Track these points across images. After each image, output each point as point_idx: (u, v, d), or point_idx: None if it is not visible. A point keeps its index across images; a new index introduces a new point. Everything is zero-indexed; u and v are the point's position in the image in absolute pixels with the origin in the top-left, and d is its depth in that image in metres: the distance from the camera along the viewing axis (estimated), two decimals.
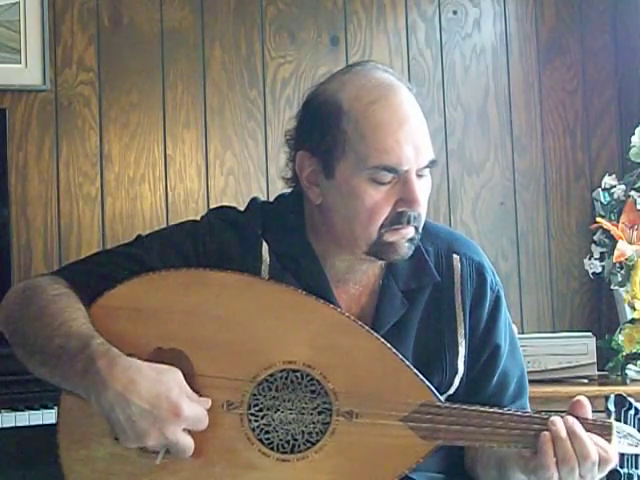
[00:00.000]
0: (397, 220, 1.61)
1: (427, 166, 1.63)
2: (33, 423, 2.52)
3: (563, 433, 1.50)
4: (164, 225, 3.10)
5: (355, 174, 1.61)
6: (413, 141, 1.60)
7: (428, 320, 1.72)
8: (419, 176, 1.62)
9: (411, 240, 1.64)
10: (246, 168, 3.28)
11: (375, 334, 1.60)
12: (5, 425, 2.50)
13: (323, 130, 1.64)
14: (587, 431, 1.51)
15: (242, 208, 1.80)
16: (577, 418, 1.53)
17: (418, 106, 1.66)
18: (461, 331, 1.73)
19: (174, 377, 1.51)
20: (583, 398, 1.56)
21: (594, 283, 3.47)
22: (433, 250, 1.75)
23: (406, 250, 1.64)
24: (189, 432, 1.51)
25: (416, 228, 1.64)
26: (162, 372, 1.51)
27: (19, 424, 2.52)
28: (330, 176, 1.64)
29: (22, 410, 2.54)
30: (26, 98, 3.09)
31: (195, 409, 1.50)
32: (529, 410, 1.76)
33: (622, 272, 3.22)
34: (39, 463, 2.33)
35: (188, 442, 1.50)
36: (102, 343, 1.52)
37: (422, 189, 1.63)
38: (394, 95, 1.63)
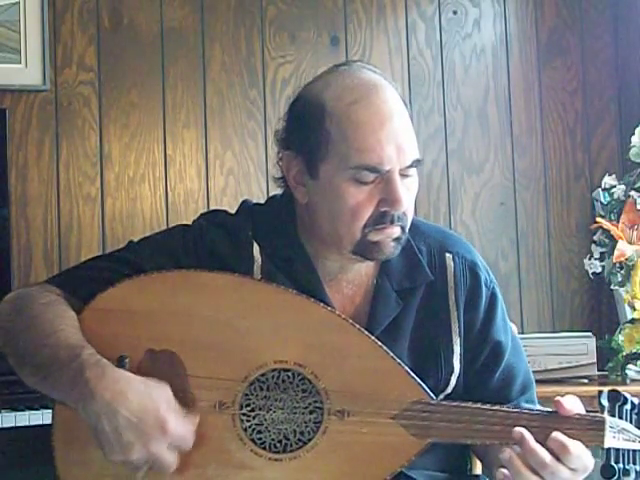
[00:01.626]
0: (380, 220, 1.62)
1: (411, 165, 1.63)
2: (33, 423, 2.51)
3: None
4: (164, 225, 3.11)
5: (338, 174, 1.61)
6: (395, 141, 1.60)
7: (422, 319, 1.72)
8: (403, 176, 1.62)
9: (397, 239, 1.64)
10: (246, 168, 3.28)
11: (366, 332, 1.60)
12: (5, 425, 2.50)
13: (307, 130, 1.65)
14: (578, 428, 1.51)
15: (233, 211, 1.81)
16: (565, 418, 1.53)
17: (403, 106, 1.66)
18: (455, 329, 1.73)
19: (163, 393, 1.51)
20: (565, 397, 1.55)
21: (594, 283, 3.46)
22: (426, 249, 1.76)
23: (392, 250, 1.65)
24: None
25: (402, 227, 1.64)
26: (151, 387, 1.51)
27: (19, 424, 2.51)
28: (314, 176, 1.65)
29: (22, 410, 2.53)
30: (26, 98, 3.09)
31: (182, 427, 1.51)
32: (536, 402, 1.77)
33: (622, 272, 3.22)
34: (39, 463, 2.32)
35: (171, 460, 1.50)
36: (92, 354, 1.53)
37: (406, 189, 1.63)
38: (376, 94, 1.63)
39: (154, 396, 1.49)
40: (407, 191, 1.63)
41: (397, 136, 1.60)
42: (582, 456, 1.50)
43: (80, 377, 1.49)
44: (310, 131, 1.64)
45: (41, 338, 1.56)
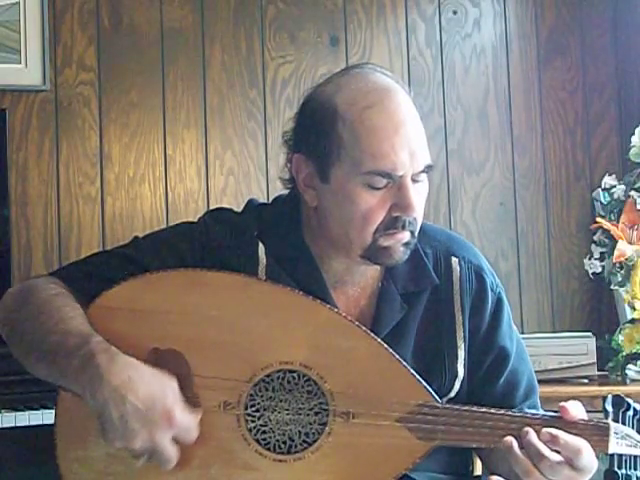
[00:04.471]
0: (392, 225, 1.61)
1: (423, 171, 1.62)
2: (33, 423, 2.51)
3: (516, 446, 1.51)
4: (164, 225, 3.10)
5: (350, 179, 1.60)
6: (409, 146, 1.59)
7: (427, 323, 1.71)
8: (415, 181, 1.61)
9: (407, 244, 1.63)
10: (246, 168, 3.28)
11: (372, 335, 1.59)
12: (5, 425, 2.50)
13: (319, 134, 1.63)
14: (583, 433, 1.51)
15: (240, 209, 1.80)
16: (571, 422, 1.53)
17: (415, 110, 1.64)
18: (460, 334, 1.72)
19: (170, 384, 1.51)
20: (569, 403, 1.55)
21: (594, 283, 3.46)
22: (432, 253, 1.75)
23: (401, 255, 1.64)
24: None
25: (412, 232, 1.63)
26: (159, 377, 1.51)
27: (19, 424, 2.51)
28: (325, 180, 1.64)
29: (22, 410, 2.53)
30: (26, 98, 3.09)
31: (187, 420, 1.50)
32: (540, 408, 1.76)
33: (622, 272, 3.23)
34: (39, 463, 2.32)
35: (173, 453, 1.50)
36: (101, 341, 1.52)
37: (417, 194, 1.62)
38: (390, 99, 1.62)
39: (162, 386, 1.49)
40: (418, 196, 1.62)
41: (410, 141, 1.59)
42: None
43: (89, 363, 1.48)
44: (321, 135, 1.62)
45: (49, 325, 1.56)
